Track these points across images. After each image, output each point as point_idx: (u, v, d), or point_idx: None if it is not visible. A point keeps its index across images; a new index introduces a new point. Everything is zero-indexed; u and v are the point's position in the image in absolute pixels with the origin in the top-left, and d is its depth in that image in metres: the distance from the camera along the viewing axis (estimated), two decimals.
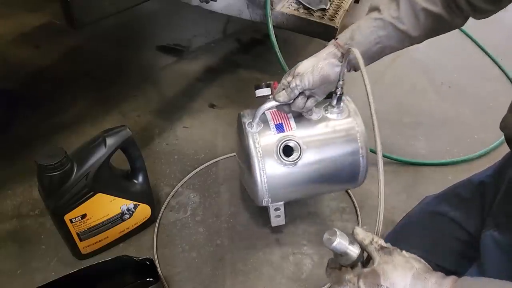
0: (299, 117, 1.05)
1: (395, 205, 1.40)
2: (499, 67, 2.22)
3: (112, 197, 1.14)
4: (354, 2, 2.20)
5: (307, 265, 1.25)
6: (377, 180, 1.65)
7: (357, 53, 0.79)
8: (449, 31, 0.93)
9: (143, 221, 1.27)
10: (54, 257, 1.21)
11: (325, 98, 1.02)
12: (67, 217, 1.09)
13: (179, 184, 1.44)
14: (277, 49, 1.52)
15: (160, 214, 1.35)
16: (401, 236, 0.98)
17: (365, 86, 0.73)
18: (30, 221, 1.30)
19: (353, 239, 0.65)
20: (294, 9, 1.63)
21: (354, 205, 1.42)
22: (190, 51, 2.14)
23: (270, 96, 1.01)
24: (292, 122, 1.04)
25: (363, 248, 0.64)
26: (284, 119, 1.04)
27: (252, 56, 2.13)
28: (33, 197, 1.35)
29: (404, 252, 0.62)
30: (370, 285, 0.60)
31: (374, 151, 1.67)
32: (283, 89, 0.93)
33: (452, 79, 2.11)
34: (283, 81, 0.94)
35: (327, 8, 1.66)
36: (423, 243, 0.92)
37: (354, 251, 0.64)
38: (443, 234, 0.90)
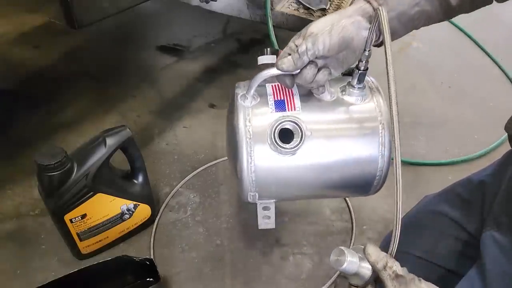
0: (308, 95, 0.82)
1: None
2: (499, 67, 2.22)
3: (112, 197, 1.14)
4: None
5: (307, 265, 1.25)
6: None
7: (383, 13, 0.63)
8: (483, 5, 0.84)
9: (143, 221, 1.27)
10: (54, 257, 1.21)
11: (344, 75, 0.82)
12: (67, 217, 1.09)
13: (179, 185, 1.44)
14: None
15: (159, 214, 1.35)
16: (401, 236, 0.97)
17: (386, 62, 0.59)
18: (30, 221, 1.30)
19: (363, 255, 0.59)
20: (294, 9, 1.62)
21: (348, 207, 1.41)
22: (190, 51, 2.14)
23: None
24: (297, 100, 0.81)
25: (375, 272, 0.58)
26: (288, 95, 0.82)
27: (252, 56, 2.13)
28: (33, 197, 1.35)
29: (422, 284, 0.57)
30: None
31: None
32: (289, 55, 0.71)
33: (452, 79, 2.11)
34: (291, 44, 0.72)
35: (327, 8, 1.66)
36: (423, 243, 0.91)
37: (366, 267, 0.58)
38: (443, 234, 0.89)
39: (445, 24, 2.66)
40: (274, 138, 0.77)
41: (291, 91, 0.82)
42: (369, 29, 0.69)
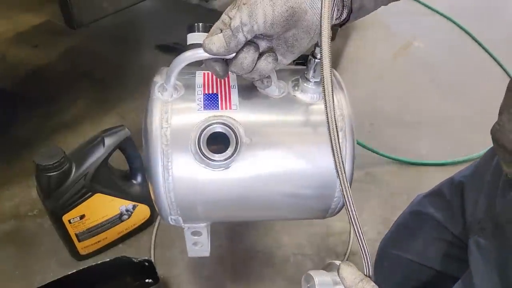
0: (250, 90, 0.62)
1: (396, 205, 1.39)
2: (501, 66, 2.21)
3: (111, 198, 1.13)
4: None
5: (308, 266, 1.24)
6: (377, 179, 1.64)
7: None
8: None
9: (142, 221, 1.26)
10: (52, 258, 1.21)
11: (297, 63, 0.64)
12: (65, 218, 1.08)
13: None
14: None
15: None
16: (395, 238, 0.97)
17: (321, 48, 0.47)
18: (28, 221, 1.29)
19: (336, 274, 0.52)
20: None
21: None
22: None
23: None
24: (235, 95, 0.61)
25: None
26: (223, 89, 0.62)
27: None
28: (31, 198, 1.34)
29: None
30: None
31: (367, 147, 1.59)
32: (221, 31, 0.52)
33: (453, 78, 2.10)
34: (223, 16, 0.54)
35: None
36: (414, 245, 0.90)
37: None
38: (430, 236, 0.88)
39: (446, 23, 2.65)
40: (200, 146, 0.57)
41: (228, 83, 0.62)
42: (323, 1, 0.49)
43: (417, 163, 1.61)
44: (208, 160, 0.56)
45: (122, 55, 2.05)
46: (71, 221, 1.09)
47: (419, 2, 2.54)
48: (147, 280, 1.11)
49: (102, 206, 1.13)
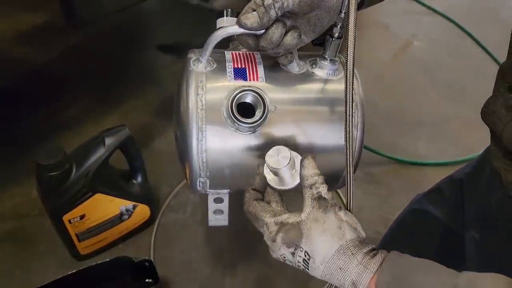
0: (273, 66, 0.71)
1: (396, 205, 1.39)
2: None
3: (111, 198, 1.13)
4: None
5: None
6: (376, 179, 1.63)
7: None
8: None
9: (142, 221, 1.27)
10: (52, 258, 1.21)
11: (315, 44, 0.72)
12: (65, 218, 1.08)
13: (180, 185, 1.43)
14: None
15: (159, 214, 1.34)
16: (394, 237, 0.97)
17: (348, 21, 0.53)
18: (28, 221, 1.29)
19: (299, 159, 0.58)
20: None
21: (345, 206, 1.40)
22: None
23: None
24: (261, 70, 0.70)
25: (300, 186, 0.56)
26: (250, 63, 0.71)
27: None
28: (31, 197, 1.34)
29: (341, 213, 0.55)
30: (288, 243, 0.56)
31: (366, 147, 1.60)
32: (254, 10, 0.61)
33: (452, 78, 2.10)
34: None
35: None
36: (413, 243, 0.91)
37: (296, 176, 0.57)
38: (429, 233, 0.89)
39: (446, 23, 2.65)
40: (232, 111, 0.64)
41: (254, 59, 0.71)
42: None
43: (416, 163, 1.61)
44: (238, 123, 0.64)
45: (122, 54, 2.05)
46: (71, 221, 1.09)
47: (419, 2, 2.54)
48: (147, 280, 1.11)
49: (102, 206, 1.13)
